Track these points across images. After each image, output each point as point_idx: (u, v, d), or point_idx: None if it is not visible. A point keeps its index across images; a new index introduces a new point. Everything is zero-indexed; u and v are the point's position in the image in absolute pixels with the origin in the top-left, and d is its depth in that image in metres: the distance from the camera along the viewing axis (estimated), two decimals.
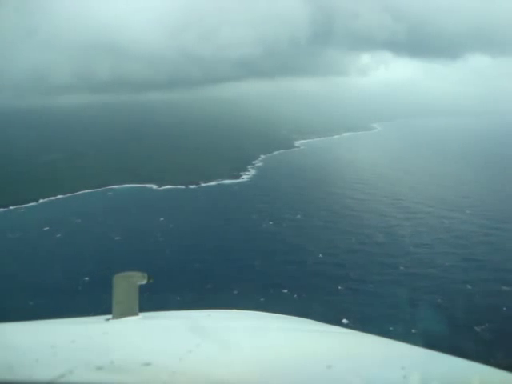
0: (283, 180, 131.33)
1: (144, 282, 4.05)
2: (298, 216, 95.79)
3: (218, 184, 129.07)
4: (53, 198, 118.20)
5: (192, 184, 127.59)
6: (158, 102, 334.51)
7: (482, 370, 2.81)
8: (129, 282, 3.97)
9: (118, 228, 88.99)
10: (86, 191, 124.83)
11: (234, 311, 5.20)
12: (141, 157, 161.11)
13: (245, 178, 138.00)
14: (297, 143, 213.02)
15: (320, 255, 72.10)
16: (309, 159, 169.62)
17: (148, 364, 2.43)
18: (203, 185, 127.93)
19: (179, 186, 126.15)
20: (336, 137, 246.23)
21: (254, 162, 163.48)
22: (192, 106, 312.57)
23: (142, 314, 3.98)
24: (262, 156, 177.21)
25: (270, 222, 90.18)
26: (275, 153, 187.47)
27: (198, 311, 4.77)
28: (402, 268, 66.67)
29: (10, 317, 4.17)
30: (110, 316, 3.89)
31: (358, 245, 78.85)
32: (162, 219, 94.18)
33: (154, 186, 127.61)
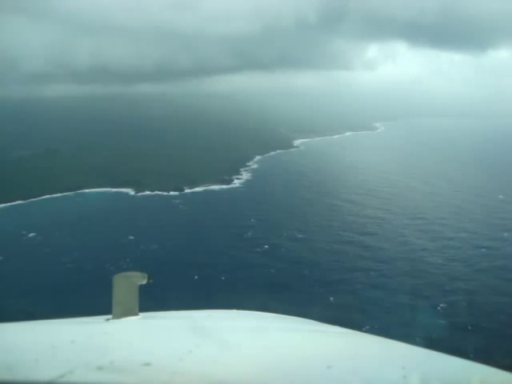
0: (281, 187, 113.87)
1: (144, 282, 3.94)
2: (300, 235, 78.58)
3: (205, 190, 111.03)
4: (9, 204, 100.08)
5: (175, 190, 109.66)
6: (146, 95, 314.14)
7: (481, 370, 2.79)
8: (129, 282, 3.90)
9: (76, 249, 71.40)
10: (53, 195, 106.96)
11: (234, 311, 5.13)
12: (121, 156, 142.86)
13: (237, 183, 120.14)
14: (296, 143, 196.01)
15: (331, 298, 54.71)
16: (309, 161, 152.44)
17: (148, 364, 2.42)
18: (187, 191, 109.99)
19: (159, 192, 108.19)
20: (337, 136, 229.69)
21: (248, 164, 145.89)
22: (183, 99, 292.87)
23: (142, 314, 3.88)
24: (258, 157, 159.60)
25: (266, 246, 72.71)
26: (272, 153, 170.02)
27: (197, 311, 4.72)
28: (442, 322, 49.19)
29: (10, 317, 4.06)
30: (110, 316, 3.78)
31: (378, 278, 61.87)
32: (131, 237, 76.61)
33: (131, 192, 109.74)
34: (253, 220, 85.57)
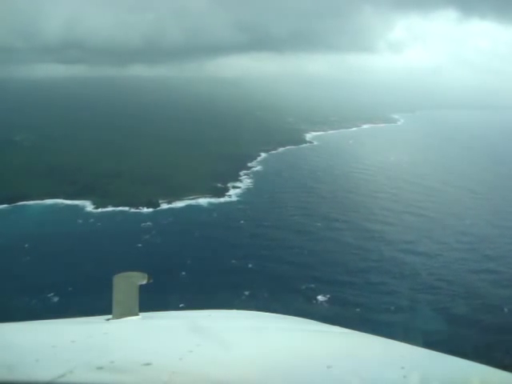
0: (291, 201, 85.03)
1: (144, 282, 3.91)
2: (321, 298, 50.21)
3: (188, 206, 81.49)
4: None
5: (147, 205, 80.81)
6: (138, 79, 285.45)
7: (481, 370, 2.82)
8: (129, 282, 3.87)
9: None
10: None
11: (234, 311, 5.11)
12: (93, 152, 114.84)
13: (232, 194, 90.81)
14: (308, 137, 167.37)
15: None
16: (326, 162, 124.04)
17: (148, 364, 2.46)
18: (164, 207, 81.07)
19: (125, 209, 79.53)
20: (354, 129, 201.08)
21: (250, 165, 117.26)
22: (180, 84, 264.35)
23: (142, 314, 3.88)
24: (263, 154, 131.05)
25: None
26: (280, 150, 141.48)
27: (197, 311, 4.69)
28: None
29: (10, 317, 4.00)
30: (110, 316, 3.77)
31: None
32: (55, 300, 48.55)
33: (89, 206, 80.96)
34: (250, 265, 57.05)
